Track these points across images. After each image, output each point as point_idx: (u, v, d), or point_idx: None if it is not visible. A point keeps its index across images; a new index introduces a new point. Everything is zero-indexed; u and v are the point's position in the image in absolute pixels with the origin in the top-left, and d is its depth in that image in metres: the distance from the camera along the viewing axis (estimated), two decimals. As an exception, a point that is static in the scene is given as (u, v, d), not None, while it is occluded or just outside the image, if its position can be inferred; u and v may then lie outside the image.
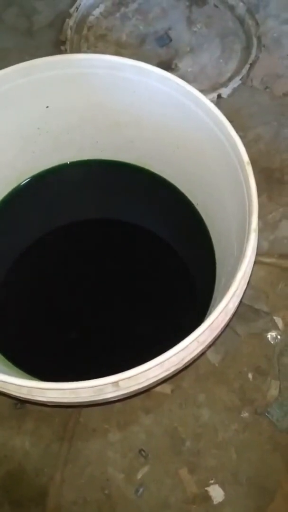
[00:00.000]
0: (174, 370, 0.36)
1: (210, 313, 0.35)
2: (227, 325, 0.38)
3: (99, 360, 0.47)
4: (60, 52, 0.66)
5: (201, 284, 0.49)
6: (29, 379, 0.37)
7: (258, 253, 0.39)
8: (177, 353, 0.33)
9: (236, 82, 0.64)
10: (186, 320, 0.45)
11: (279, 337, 0.51)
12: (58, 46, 0.67)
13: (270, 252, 0.55)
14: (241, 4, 0.68)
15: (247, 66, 0.65)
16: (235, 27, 0.68)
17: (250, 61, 0.65)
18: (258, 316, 0.52)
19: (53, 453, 0.47)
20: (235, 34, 0.68)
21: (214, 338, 0.36)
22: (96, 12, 0.69)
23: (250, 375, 0.50)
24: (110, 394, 0.34)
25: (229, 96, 0.63)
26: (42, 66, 0.43)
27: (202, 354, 0.39)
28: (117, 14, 0.69)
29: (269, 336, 0.51)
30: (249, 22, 0.67)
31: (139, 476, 0.46)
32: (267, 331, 0.51)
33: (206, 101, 0.41)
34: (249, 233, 0.36)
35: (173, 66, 0.66)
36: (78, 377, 0.33)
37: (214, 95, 0.63)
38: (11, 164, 0.52)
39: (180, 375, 0.48)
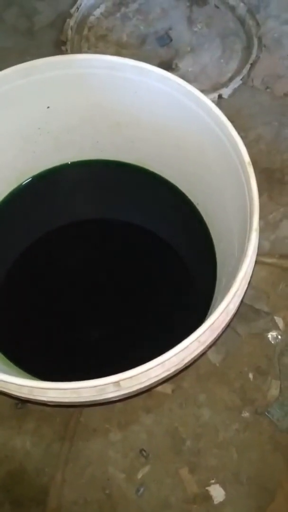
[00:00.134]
0: (175, 370, 0.36)
1: (211, 314, 0.35)
2: (228, 325, 0.38)
3: (100, 360, 0.47)
4: (60, 52, 0.66)
5: (201, 284, 0.49)
6: (30, 378, 0.37)
7: (259, 253, 0.39)
8: (178, 352, 0.33)
9: (236, 82, 0.64)
10: (187, 320, 0.45)
11: (279, 337, 0.51)
12: (58, 46, 0.67)
13: (271, 252, 0.55)
14: (241, 4, 0.68)
15: (248, 66, 0.65)
16: (236, 27, 0.68)
17: (250, 61, 0.65)
18: (259, 316, 0.52)
19: (54, 453, 0.47)
20: (236, 34, 0.68)
21: (215, 338, 0.36)
22: (97, 12, 0.70)
23: (250, 375, 0.50)
24: (112, 393, 0.34)
25: (229, 96, 0.63)
26: (42, 67, 0.43)
27: (203, 354, 0.39)
28: (118, 14, 0.70)
29: (269, 336, 0.51)
30: (250, 22, 0.67)
31: (139, 476, 0.46)
32: (268, 331, 0.51)
33: (207, 101, 0.41)
34: (250, 233, 0.36)
35: (173, 66, 0.66)
36: (78, 377, 0.33)
37: (215, 95, 0.63)
38: (11, 164, 0.52)
39: (181, 375, 0.49)
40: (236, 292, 0.35)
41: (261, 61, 0.65)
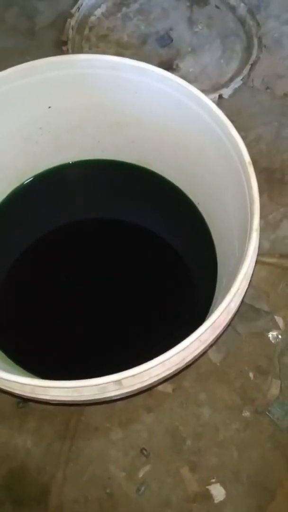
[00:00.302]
0: (176, 369, 0.36)
1: (211, 313, 0.36)
2: (228, 325, 0.38)
3: (100, 360, 0.47)
4: (61, 52, 0.66)
5: (202, 284, 0.50)
6: (32, 377, 0.38)
7: (259, 253, 0.39)
8: (180, 352, 0.33)
9: (237, 83, 0.64)
10: (188, 319, 0.46)
11: (280, 336, 0.51)
12: (59, 47, 0.67)
13: (271, 252, 0.55)
14: (242, 4, 0.68)
15: (248, 66, 0.65)
16: (236, 28, 0.68)
17: (251, 62, 0.65)
18: (259, 315, 0.52)
19: (55, 451, 0.47)
20: (236, 34, 0.68)
21: (215, 337, 0.36)
22: (98, 12, 0.70)
23: (251, 374, 0.50)
24: (113, 392, 0.34)
25: (230, 96, 0.63)
26: (43, 67, 0.44)
27: (204, 353, 0.39)
28: (119, 14, 0.70)
29: (270, 335, 0.51)
30: (250, 22, 0.67)
31: (140, 474, 0.46)
32: (268, 330, 0.52)
33: (208, 101, 0.41)
34: (250, 233, 0.36)
35: (174, 67, 0.66)
36: (79, 377, 0.33)
37: (215, 95, 0.63)
38: (12, 164, 0.52)
39: (181, 374, 0.49)
40: (236, 291, 0.35)
41: (261, 61, 0.65)
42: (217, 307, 0.34)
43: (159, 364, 0.33)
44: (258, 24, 0.67)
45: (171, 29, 0.69)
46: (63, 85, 0.46)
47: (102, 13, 0.70)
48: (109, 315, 0.50)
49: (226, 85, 0.64)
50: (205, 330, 0.34)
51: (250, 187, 0.38)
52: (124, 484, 0.46)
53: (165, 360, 0.33)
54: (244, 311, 0.52)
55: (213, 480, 0.46)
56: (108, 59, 0.43)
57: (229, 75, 0.65)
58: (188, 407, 0.49)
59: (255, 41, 0.66)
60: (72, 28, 0.68)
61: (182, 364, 0.36)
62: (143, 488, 0.46)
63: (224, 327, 0.37)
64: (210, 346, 0.37)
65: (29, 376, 0.41)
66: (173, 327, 0.47)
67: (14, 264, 0.52)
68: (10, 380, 0.33)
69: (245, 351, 0.51)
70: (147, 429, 0.48)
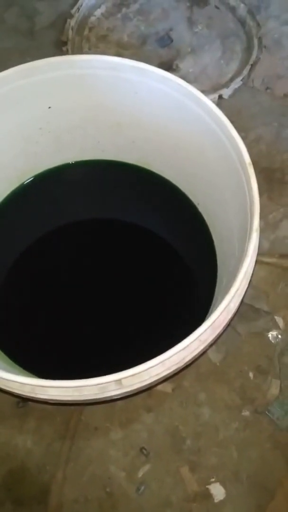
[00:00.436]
0: (176, 369, 0.36)
1: (211, 313, 0.36)
2: (228, 324, 0.38)
3: (100, 360, 0.47)
4: (61, 52, 0.66)
5: (202, 284, 0.50)
6: (31, 377, 0.38)
7: (259, 253, 0.39)
8: (180, 351, 0.33)
9: (237, 83, 0.64)
10: (188, 319, 0.46)
11: (279, 336, 0.51)
12: (59, 47, 0.67)
13: (271, 252, 0.55)
14: (242, 5, 0.68)
15: (248, 67, 0.65)
16: (236, 28, 0.68)
17: (251, 62, 0.65)
18: (259, 315, 0.52)
19: (55, 451, 0.47)
20: (236, 35, 0.68)
21: (215, 337, 0.36)
22: (98, 12, 0.70)
23: (250, 374, 0.50)
24: (113, 392, 0.34)
25: (230, 96, 0.63)
26: (43, 67, 0.44)
27: (204, 353, 0.39)
28: (118, 15, 0.70)
29: (269, 335, 0.51)
30: (250, 23, 0.67)
31: (140, 474, 0.46)
32: (268, 330, 0.52)
33: (208, 102, 0.41)
34: (250, 233, 0.36)
35: (174, 67, 0.66)
36: (79, 377, 0.33)
37: (215, 95, 0.63)
38: (12, 164, 0.52)
39: (181, 374, 0.49)
40: (236, 291, 0.35)
41: (261, 61, 0.66)
42: (217, 307, 0.34)
43: (159, 363, 0.33)
44: (258, 25, 0.67)
45: (171, 29, 0.69)
46: (63, 86, 0.46)
47: (102, 14, 0.70)
48: (109, 315, 0.50)
49: (226, 85, 0.64)
50: (205, 330, 0.34)
51: (250, 188, 0.38)
52: (124, 483, 0.46)
53: (165, 360, 0.33)
54: (244, 311, 0.52)
55: (213, 480, 0.46)
56: (108, 59, 0.43)
57: (229, 76, 0.65)
58: (188, 407, 0.49)
59: (255, 41, 0.66)
60: (72, 29, 0.68)
61: (182, 364, 0.36)
62: (143, 488, 0.46)
63: (224, 327, 0.37)
64: (210, 345, 0.38)
65: (28, 376, 0.41)
66: (173, 327, 0.47)
67: (14, 264, 0.52)
68: (9, 380, 0.33)
69: (245, 351, 0.51)
70: (147, 429, 0.48)
